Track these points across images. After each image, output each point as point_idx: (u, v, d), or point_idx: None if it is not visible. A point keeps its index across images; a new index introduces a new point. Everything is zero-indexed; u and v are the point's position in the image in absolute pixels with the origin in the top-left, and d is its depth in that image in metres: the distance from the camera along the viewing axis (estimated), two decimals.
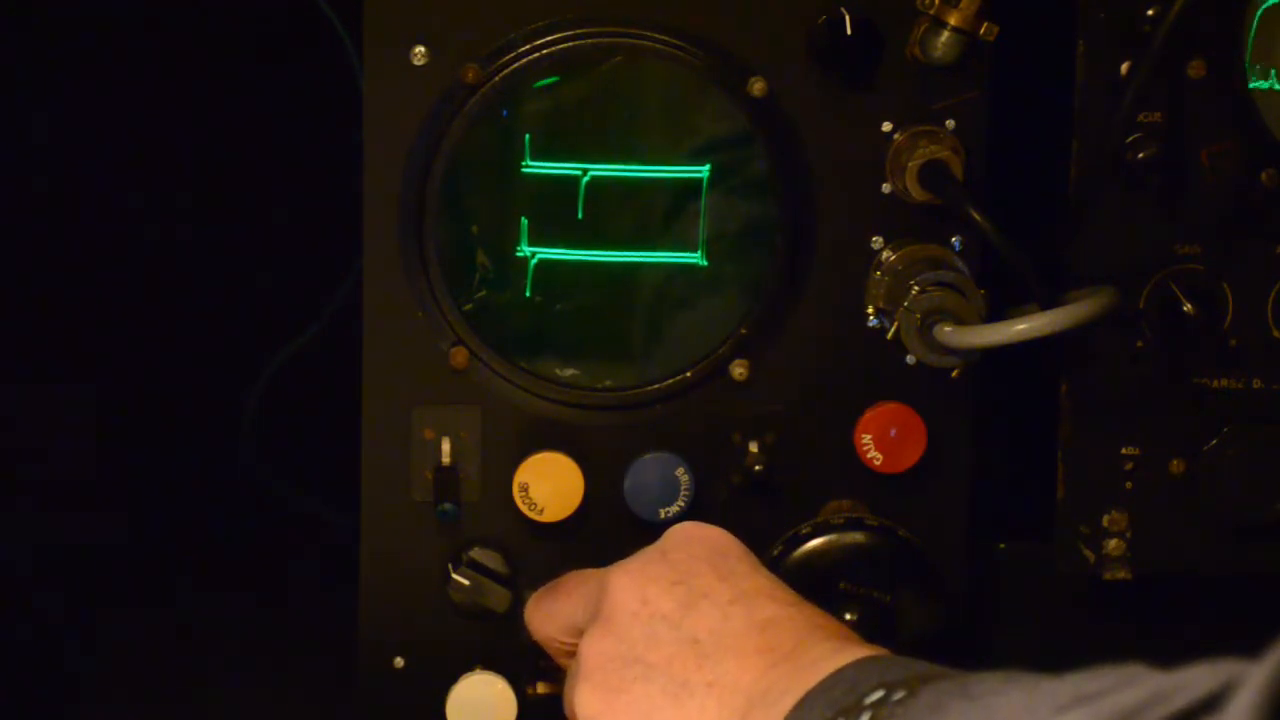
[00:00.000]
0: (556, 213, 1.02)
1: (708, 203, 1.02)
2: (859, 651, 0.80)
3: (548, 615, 0.95)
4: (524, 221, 1.02)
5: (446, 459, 1.03)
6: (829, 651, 0.81)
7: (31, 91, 1.31)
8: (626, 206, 1.02)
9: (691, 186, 1.02)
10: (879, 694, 0.75)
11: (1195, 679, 0.60)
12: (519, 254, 1.02)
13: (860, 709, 0.74)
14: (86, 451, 1.34)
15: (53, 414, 1.34)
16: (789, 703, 0.78)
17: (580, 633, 0.90)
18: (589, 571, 0.94)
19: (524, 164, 1.01)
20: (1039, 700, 0.66)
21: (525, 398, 1.04)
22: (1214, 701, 0.58)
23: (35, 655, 1.22)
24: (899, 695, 0.74)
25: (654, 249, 1.03)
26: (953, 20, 1.00)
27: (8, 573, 1.25)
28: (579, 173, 1.02)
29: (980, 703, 0.69)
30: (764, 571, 0.89)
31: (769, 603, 0.85)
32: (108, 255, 1.33)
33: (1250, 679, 0.56)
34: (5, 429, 1.32)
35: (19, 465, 1.31)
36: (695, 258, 1.03)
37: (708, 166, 1.02)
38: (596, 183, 1.02)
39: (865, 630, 1.01)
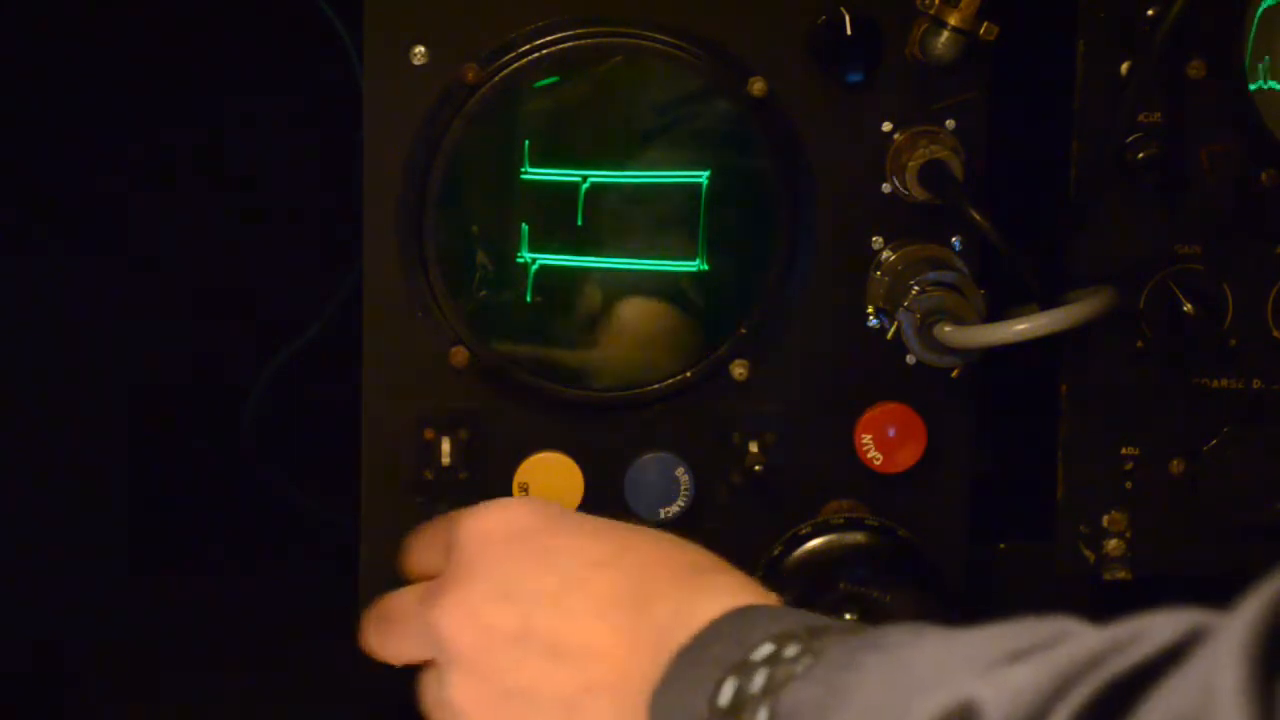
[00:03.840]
0: (556, 218, 1.02)
1: (707, 203, 1.02)
2: (709, 599, 0.77)
3: (396, 654, 0.92)
4: (524, 227, 1.02)
5: (446, 459, 1.03)
6: (672, 613, 0.78)
7: (30, 91, 1.31)
8: (626, 213, 1.02)
9: (691, 193, 1.02)
10: (768, 648, 0.72)
11: (1152, 628, 0.59)
12: (519, 259, 1.02)
13: (751, 666, 0.72)
14: (86, 451, 1.33)
15: (52, 413, 1.34)
16: (654, 677, 0.76)
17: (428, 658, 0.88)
18: (406, 598, 0.91)
19: (523, 170, 1.01)
20: (961, 651, 0.64)
21: (525, 398, 1.04)
22: (1178, 652, 0.57)
23: (35, 653, 1.22)
24: (792, 651, 0.71)
25: (654, 256, 1.03)
26: (953, 20, 1.00)
27: (7, 572, 1.25)
28: (579, 179, 1.02)
29: (894, 654, 0.67)
30: (570, 527, 0.86)
31: (595, 577, 0.82)
32: (107, 255, 1.33)
33: (1227, 630, 0.55)
34: (5, 428, 1.32)
35: (19, 464, 1.31)
36: (694, 265, 1.03)
37: (707, 173, 1.02)
38: (596, 189, 1.02)
39: None
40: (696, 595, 0.79)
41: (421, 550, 0.94)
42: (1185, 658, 0.57)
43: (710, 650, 0.75)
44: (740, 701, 0.71)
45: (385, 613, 0.93)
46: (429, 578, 0.91)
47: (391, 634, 0.92)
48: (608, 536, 0.85)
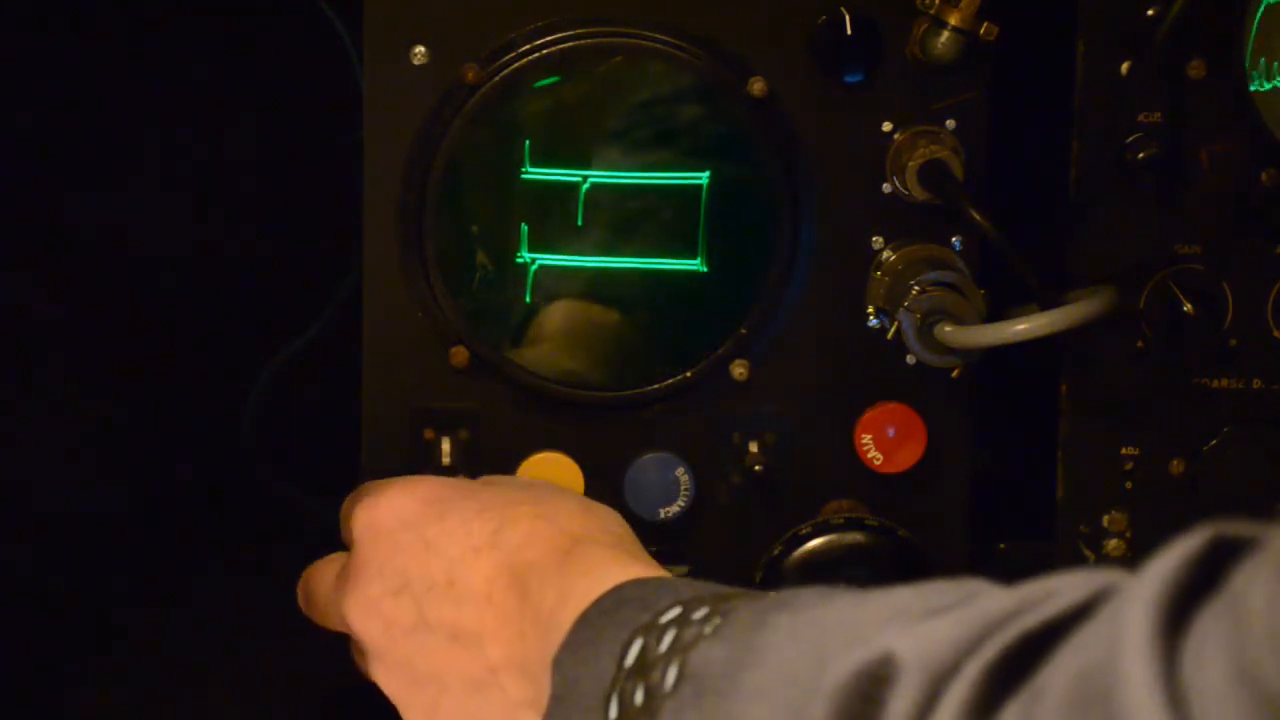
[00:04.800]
0: (556, 219, 1.02)
1: (707, 204, 1.02)
2: (594, 578, 0.79)
3: (320, 622, 0.96)
4: (524, 228, 1.02)
5: (446, 459, 1.03)
6: (558, 594, 0.79)
7: (29, 91, 1.31)
8: (626, 213, 1.02)
9: (691, 193, 1.02)
10: (676, 610, 0.73)
11: (1064, 586, 0.59)
12: (519, 259, 1.02)
13: (659, 628, 0.72)
14: (85, 451, 1.33)
15: (52, 413, 1.34)
16: (550, 651, 0.77)
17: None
18: (323, 581, 0.95)
19: (524, 171, 1.01)
20: (874, 610, 0.65)
21: (525, 398, 1.04)
22: (1087, 608, 0.58)
23: (35, 651, 1.22)
24: (700, 613, 0.72)
25: (654, 256, 1.03)
26: (953, 20, 1.00)
27: (7, 571, 1.25)
28: (579, 180, 1.02)
29: (806, 614, 0.67)
30: (454, 505, 0.88)
31: (476, 562, 0.85)
32: (106, 255, 1.33)
33: (1136, 584, 0.55)
34: (5, 427, 1.31)
35: (19, 464, 1.31)
36: (695, 264, 1.03)
37: (707, 174, 1.02)
38: (596, 189, 1.02)
39: None
40: (576, 577, 0.80)
41: (344, 519, 0.97)
42: (1095, 612, 0.57)
43: (616, 615, 0.75)
44: (649, 660, 0.71)
45: (309, 590, 0.97)
46: (348, 543, 0.95)
47: (315, 611, 0.96)
48: (486, 516, 0.87)
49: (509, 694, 0.83)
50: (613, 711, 0.72)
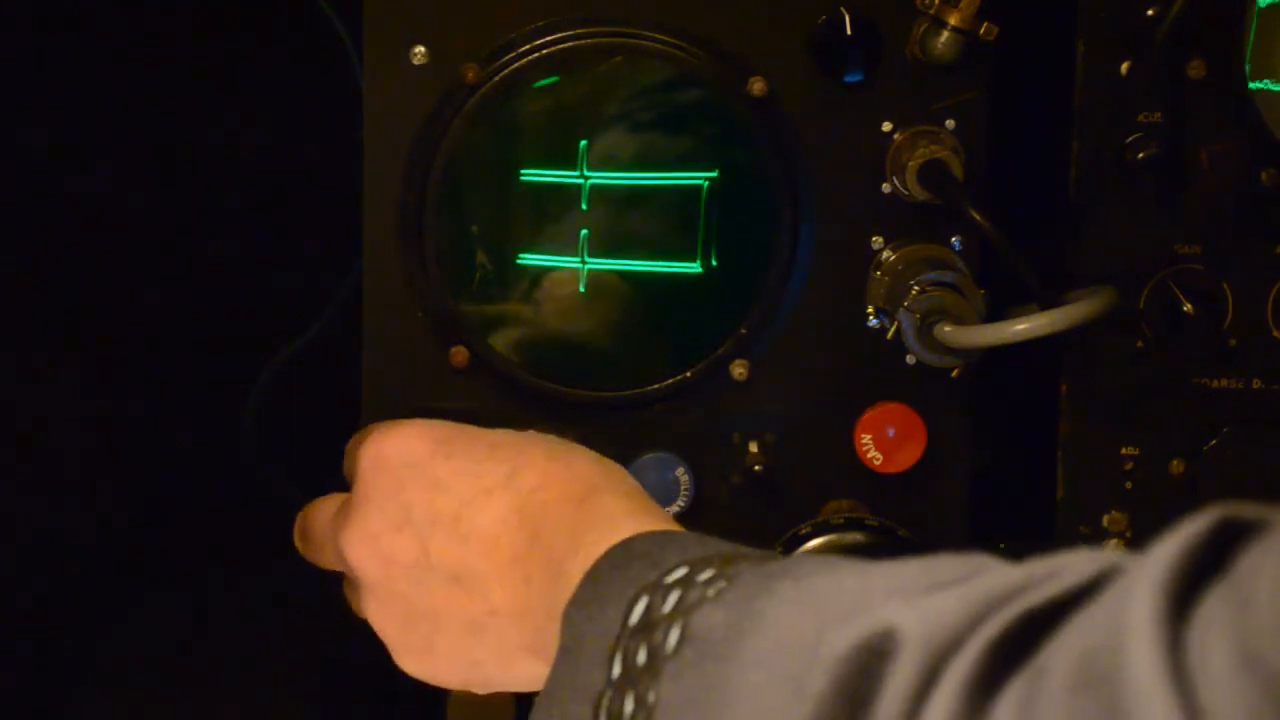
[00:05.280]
0: (556, 220, 1.02)
1: (707, 204, 1.02)
2: (604, 531, 0.78)
3: (315, 560, 0.96)
4: (524, 228, 1.02)
5: None
6: (570, 538, 0.79)
7: (31, 91, 1.31)
8: (626, 214, 1.02)
9: (691, 194, 1.02)
10: (682, 571, 0.72)
11: (1069, 564, 0.59)
12: (519, 260, 1.02)
13: (664, 587, 0.72)
14: (86, 451, 1.33)
15: (52, 413, 1.34)
16: (561, 601, 0.77)
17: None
18: (321, 517, 0.94)
19: (523, 172, 1.01)
20: (878, 581, 0.64)
21: (525, 398, 1.04)
22: (1092, 587, 0.58)
23: (34, 653, 1.22)
24: (706, 574, 0.71)
25: (654, 258, 1.03)
26: (953, 20, 1.00)
27: (6, 572, 1.25)
28: (579, 181, 1.02)
29: (809, 582, 0.67)
30: (464, 445, 0.88)
31: (487, 503, 0.84)
32: (107, 255, 1.33)
33: (1141, 565, 0.55)
34: (5, 427, 1.32)
35: (18, 464, 1.31)
36: (694, 266, 1.03)
37: (707, 174, 1.02)
38: (596, 190, 1.02)
39: None
40: (589, 525, 0.80)
41: (346, 457, 0.96)
42: (1100, 592, 0.57)
43: (626, 570, 0.75)
44: (652, 620, 0.71)
45: (306, 526, 0.96)
46: (349, 481, 0.94)
47: (311, 547, 0.96)
48: (499, 457, 0.86)
49: (506, 638, 0.83)
50: (616, 669, 0.72)
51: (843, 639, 0.61)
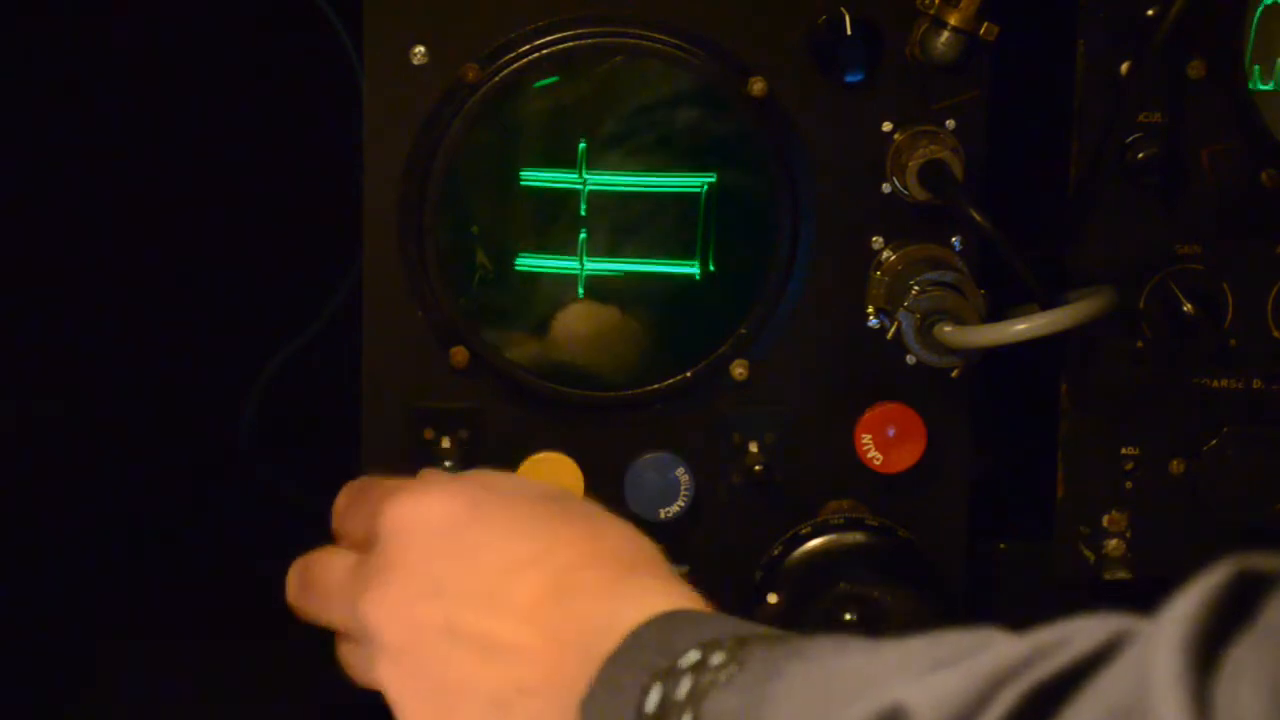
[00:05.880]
0: (556, 222, 1.02)
1: (707, 204, 1.02)
2: (639, 604, 0.76)
3: (319, 618, 0.91)
4: (523, 231, 1.02)
5: (446, 459, 1.03)
6: (608, 616, 0.77)
7: (30, 92, 1.31)
8: (626, 217, 1.02)
9: (690, 199, 1.02)
10: (694, 655, 0.72)
11: (1078, 633, 0.59)
12: (519, 266, 1.03)
13: (677, 673, 0.71)
14: (85, 450, 1.33)
15: (51, 413, 1.34)
16: (582, 683, 0.75)
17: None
18: (332, 571, 0.90)
19: (523, 175, 1.01)
20: (886, 660, 0.64)
21: (525, 398, 1.04)
22: (1106, 653, 0.57)
23: (34, 653, 1.22)
24: (718, 659, 0.71)
25: (653, 261, 1.03)
26: (953, 20, 1.00)
27: (6, 572, 1.25)
28: (579, 184, 1.02)
29: (819, 664, 0.67)
30: (494, 520, 0.83)
31: (520, 578, 0.80)
32: (107, 255, 1.33)
33: (1161, 625, 0.55)
34: (4, 428, 1.32)
35: (18, 464, 1.31)
36: (693, 270, 1.03)
37: (706, 182, 1.02)
38: (595, 194, 1.02)
39: (865, 630, 1.01)
40: (624, 602, 0.78)
41: (348, 510, 0.92)
42: (1115, 657, 0.57)
43: (638, 657, 0.74)
44: (665, 708, 0.71)
45: (311, 579, 0.92)
46: (351, 537, 0.91)
47: (315, 601, 0.91)
48: (533, 532, 0.83)
49: (535, 718, 0.80)
50: None
51: (851, 718, 0.61)
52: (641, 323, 1.04)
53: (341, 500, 0.93)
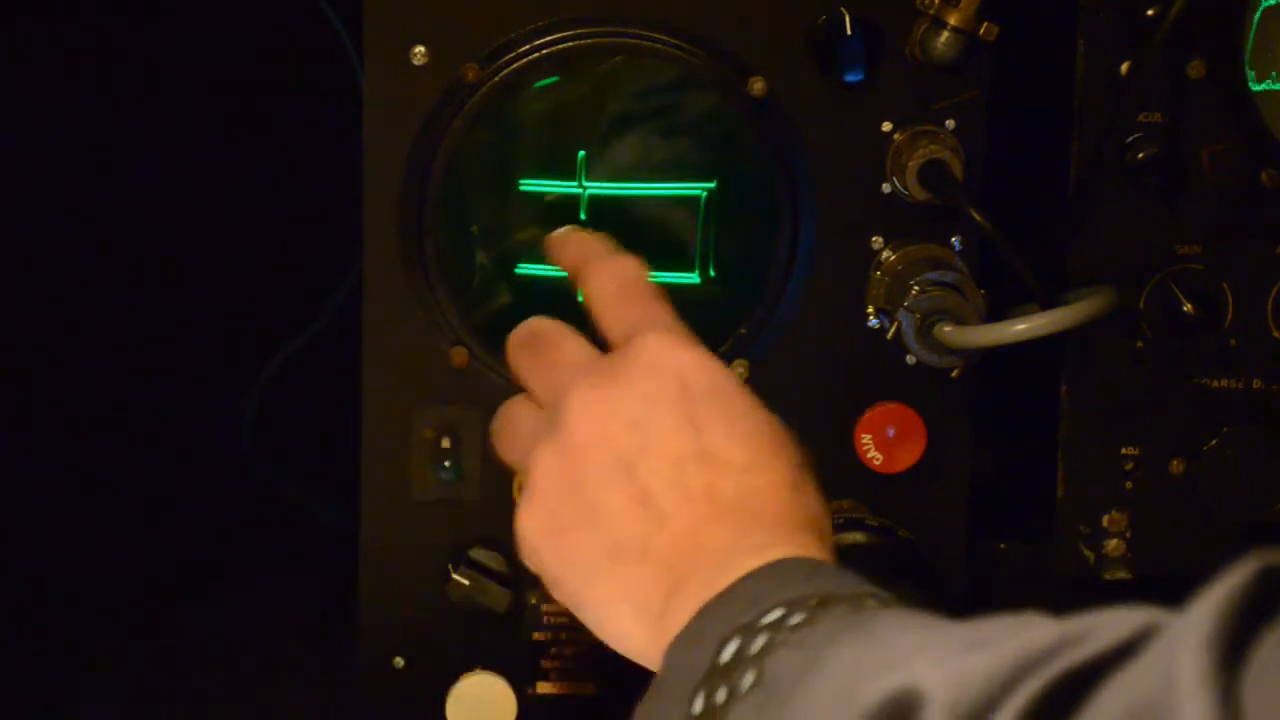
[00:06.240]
0: (556, 224, 1.02)
1: (707, 204, 1.02)
2: (761, 554, 0.77)
3: (520, 375, 0.90)
4: (523, 238, 1.02)
5: (446, 459, 1.03)
6: (756, 547, 0.77)
7: (32, 92, 1.31)
8: (625, 225, 1.02)
9: (689, 206, 1.02)
10: (778, 613, 0.72)
11: (1106, 624, 0.58)
12: (519, 271, 1.03)
13: (756, 630, 0.72)
14: (85, 451, 1.33)
15: (52, 413, 1.34)
16: (694, 608, 0.76)
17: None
18: (564, 346, 0.89)
19: (522, 182, 1.01)
20: (933, 641, 0.64)
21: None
22: (1132, 646, 0.57)
23: (35, 653, 1.22)
24: (797, 619, 0.71)
25: (652, 268, 1.03)
26: (953, 20, 1.00)
27: (7, 572, 1.25)
28: (578, 191, 1.02)
29: (874, 637, 0.67)
30: (733, 411, 0.84)
31: (716, 472, 0.81)
32: (107, 255, 1.33)
33: (1187, 621, 0.54)
34: (5, 428, 1.32)
35: (18, 464, 1.31)
36: (693, 277, 1.03)
37: (706, 186, 1.02)
38: (595, 200, 1.02)
39: None
40: (781, 542, 0.78)
41: (617, 303, 0.90)
42: (1141, 651, 0.56)
43: (728, 608, 0.75)
44: (741, 661, 0.71)
45: (544, 341, 0.90)
46: (609, 333, 0.89)
47: (534, 359, 0.90)
48: (749, 442, 0.83)
49: (631, 583, 0.80)
50: (697, 706, 0.72)
51: (872, 693, 0.62)
52: None
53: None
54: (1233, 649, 0.53)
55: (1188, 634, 0.53)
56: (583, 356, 0.88)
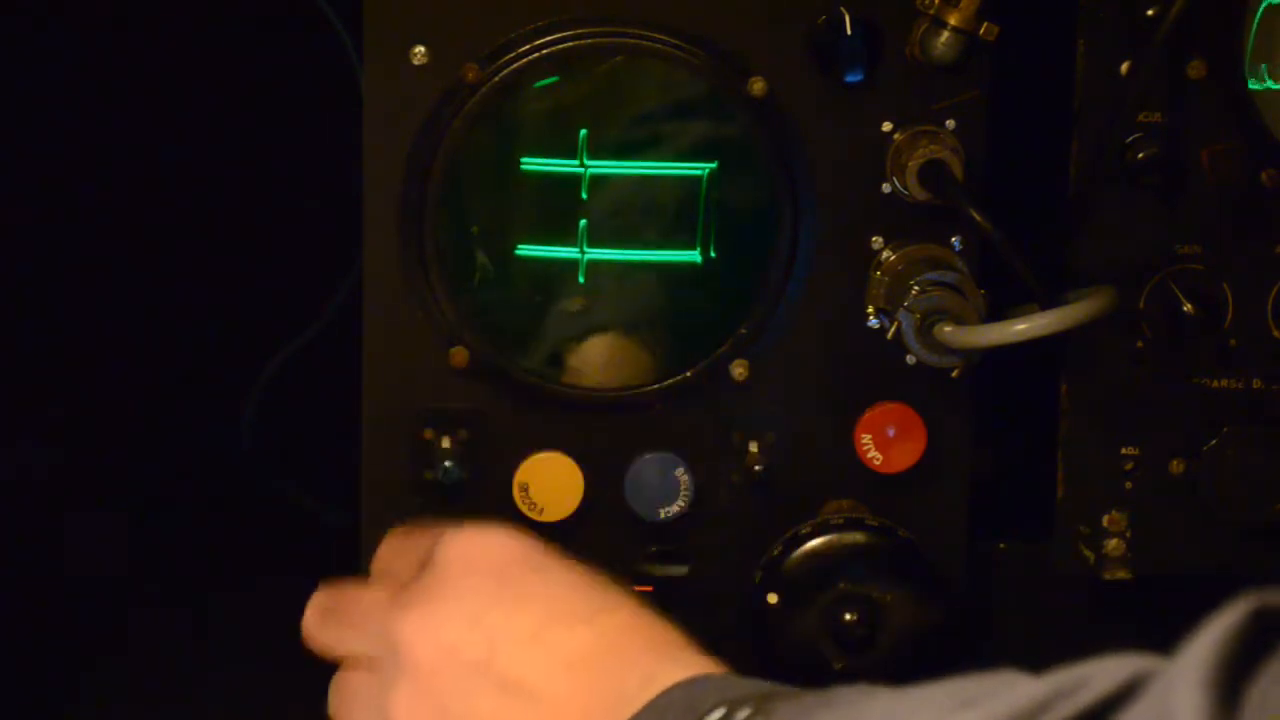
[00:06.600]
0: (556, 211, 1.02)
1: (707, 202, 1.02)
2: (678, 671, 0.76)
3: (336, 644, 0.89)
4: (524, 221, 1.02)
5: (446, 459, 1.03)
6: (641, 680, 0.77)
7: (31, 92, 1.31)
8: (626, 205, 1.02)
9: (691, 185, 1.02)
10: (719, 712, 0.72)
11: (1097, 673, 0.59)
12: (519, 253, 1.02)
13: None
14: (85, 451, 1.33)
15: (51, 413, 1.34)
16: None
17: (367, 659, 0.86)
18: (366, 596, 0.89)
19: (523, 161, 1.01)
20: (912, 704, 0.64)
21: (525, 398, 1.04)
22: (1126, 693, 0.57)
23: (34, 652, 1.22)
24: (744, 713, 0.71)
25: (653, 248, 1.03)
26: (953, 20, 1.00)
27: (6, 572, 1.25)
28: (579, 170, 1.01)
29: (847, 709, 0.67)
30: (556, 575, 0.84)
31: (570, 629, 0.80)
32: (106, 255, 1.33)
33: (1183, 662, 0.55)
34: (5, 428, 1.32)
35: (18, 464, 1.31)
36: (694, 255, 1.03)
37: (708, 165, 1.02)
38: (596, 181, 1.02)
39: (864, 630, 1.01)
40: (660, 667, 0.78)
41: (393, 553, 0.91)
42: (1136, 697, 0.57)
43: (663, 717, 0.74)
44: None
45: (339, 604, 0.91)
46: (397, 576, 0.89)
47: (340, 625, 0.89)
48: (587, 593, 0.83)
49: None
50: None
51: None
52: (642, 317, 1.04)
53: (389, 543, 0.92)
54: (1229, 689, 0.53)
55: (1183, 676, 0.53)
56: (384, 594, 0.87)
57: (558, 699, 0.79)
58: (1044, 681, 0.60)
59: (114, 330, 1.34)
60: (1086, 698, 0.58)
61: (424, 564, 0.86)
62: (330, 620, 0.90)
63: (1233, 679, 0.53)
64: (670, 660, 0.78)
